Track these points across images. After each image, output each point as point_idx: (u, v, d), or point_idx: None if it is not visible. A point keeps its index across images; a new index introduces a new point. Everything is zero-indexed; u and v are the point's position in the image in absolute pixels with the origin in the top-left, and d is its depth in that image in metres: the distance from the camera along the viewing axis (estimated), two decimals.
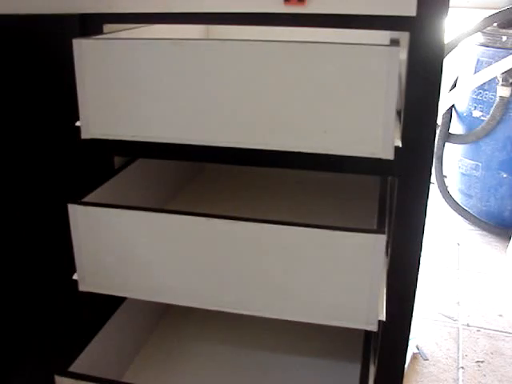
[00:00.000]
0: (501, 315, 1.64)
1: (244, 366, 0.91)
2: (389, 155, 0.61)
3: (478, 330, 1.57)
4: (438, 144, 2.18)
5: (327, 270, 0.63)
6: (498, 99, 1.94)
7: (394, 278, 0.75)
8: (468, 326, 1.59)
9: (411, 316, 0.78)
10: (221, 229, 0.65)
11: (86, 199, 0.71)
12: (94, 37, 0.69)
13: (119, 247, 0.69)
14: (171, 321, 1.03)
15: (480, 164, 2.09)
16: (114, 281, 0.72)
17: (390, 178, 0.82)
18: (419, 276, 0.76)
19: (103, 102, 0.66)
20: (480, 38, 2.02)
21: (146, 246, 0.68)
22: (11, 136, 0.85)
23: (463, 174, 2.18)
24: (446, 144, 2.19)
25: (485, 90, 2.00)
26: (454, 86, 2.16)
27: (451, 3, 0.63)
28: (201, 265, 0.67)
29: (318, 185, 1.10)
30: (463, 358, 1.45)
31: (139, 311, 0.94)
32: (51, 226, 0.88)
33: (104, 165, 0.82)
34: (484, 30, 1.98)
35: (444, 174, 2.24)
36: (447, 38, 1.87)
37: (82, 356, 0.75)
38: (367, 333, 0.78)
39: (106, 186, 0.77)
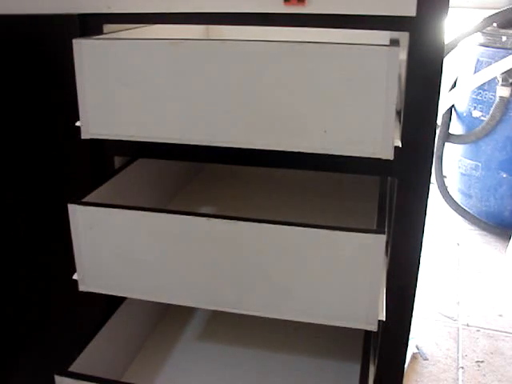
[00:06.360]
0: (501, 315, 1.64)
1: (244, 366, 0.91)
2: (389, 155, 0.61)
3: (478, 330, 1.57)
4: (437, 144, 2.18)
5: (327, 270, 0.63)
6: (497, 99, 1.94)
7: (394, 278, 0.75)
8: (468, 325, 1.59)
9: (411, 316, 0.78)
10: (221, 229, 0.65)
11: (86, 199, 0.71)
12: (93, 37, 0.69)
13: (119, 247, 0.69)
14: (171, 321, 1.03)
15: (480, 164, 2.09)
16: (114, 281, 0.72)
17: (389, 178, 0.82)
18: (419, 276, 0.76)
19: (103, 102, 0.66)
20: (480, 38, 2.02)
21: (146, 246, 0.68)
22: (11, 136, 0.85)
23: (463, 174, 2.18)
24: (446, 144, 2.19)
25: (484, 90, 2.00)
26: (454, 85, 2.16)
27: (451, 3, 0.63)
28: (201, 265, 0.67)
29: (318, 185, 1.10)
30: (463, 358, 1.45)
31: (139, 311, 0.94)
32: (51, 225, 0.88)
33: (104, 165, 0.82)
34: (484, 30, 1.98)
35: (444, 174, 2.24)
36: (447, 38, 1.87)
37: (82, 356, 0.75)
38: (367, 333, 0.78)
39: (105, 185, 0.77)
